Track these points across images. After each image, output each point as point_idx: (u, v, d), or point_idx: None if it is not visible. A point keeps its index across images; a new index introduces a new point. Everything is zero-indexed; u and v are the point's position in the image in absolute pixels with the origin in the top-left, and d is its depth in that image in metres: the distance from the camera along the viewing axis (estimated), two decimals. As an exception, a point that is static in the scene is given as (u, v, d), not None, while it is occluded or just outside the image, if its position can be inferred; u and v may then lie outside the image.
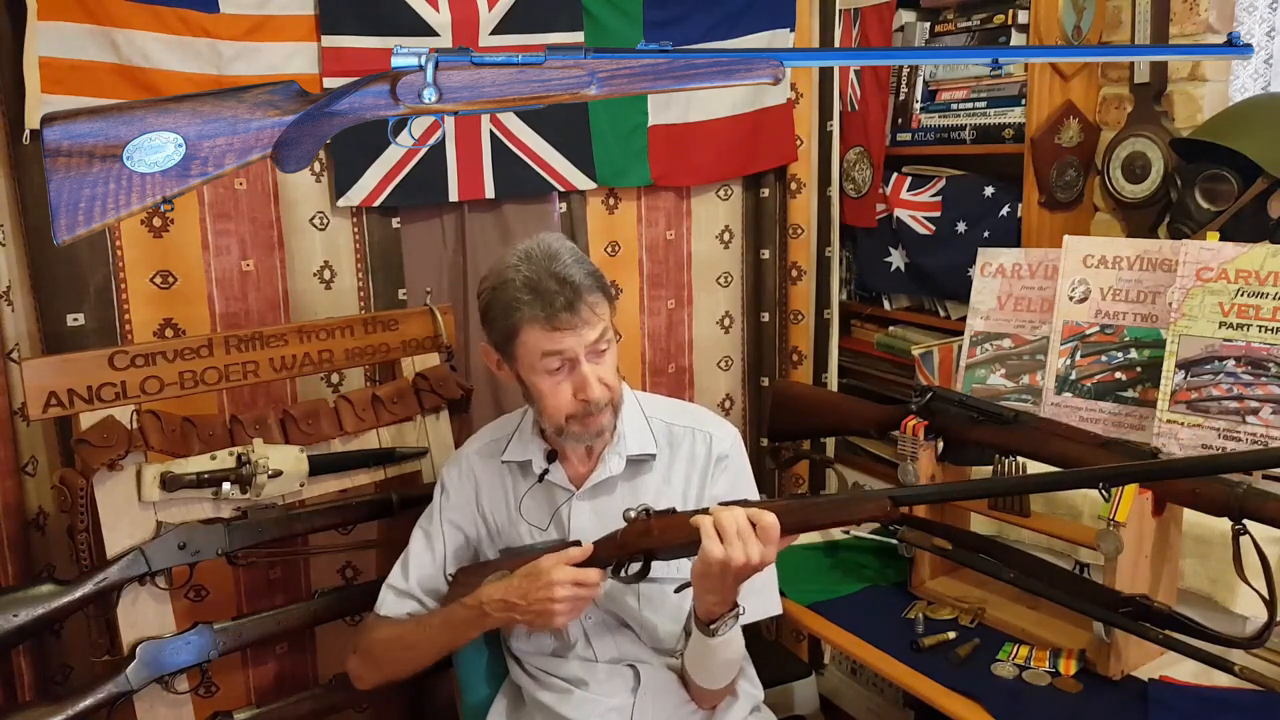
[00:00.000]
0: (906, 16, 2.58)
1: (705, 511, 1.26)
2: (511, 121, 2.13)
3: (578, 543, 1.40)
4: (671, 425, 1.55)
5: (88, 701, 1.53)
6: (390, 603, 1.55)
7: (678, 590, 1.35)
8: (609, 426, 1.45)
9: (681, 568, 1.38)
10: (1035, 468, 1.56)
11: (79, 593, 1.54)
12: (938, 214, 2.49)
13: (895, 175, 2.59)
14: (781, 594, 1.59)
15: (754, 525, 1.21)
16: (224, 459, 1.66)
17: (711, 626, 1.32)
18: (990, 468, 1.61)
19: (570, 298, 1.34)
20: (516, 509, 1.53)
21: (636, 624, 1.49)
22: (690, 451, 1.53)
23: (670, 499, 1.49)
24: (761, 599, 1.52)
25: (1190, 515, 1.44)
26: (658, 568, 1.36)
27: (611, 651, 1.49)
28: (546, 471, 1.51)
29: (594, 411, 1.40)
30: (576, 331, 1.35)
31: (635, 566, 1.36)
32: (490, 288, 1.41)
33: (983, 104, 2.39)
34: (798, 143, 2.50)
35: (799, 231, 2.55)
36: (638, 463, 1.51)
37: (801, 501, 1.28)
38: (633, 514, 1.33)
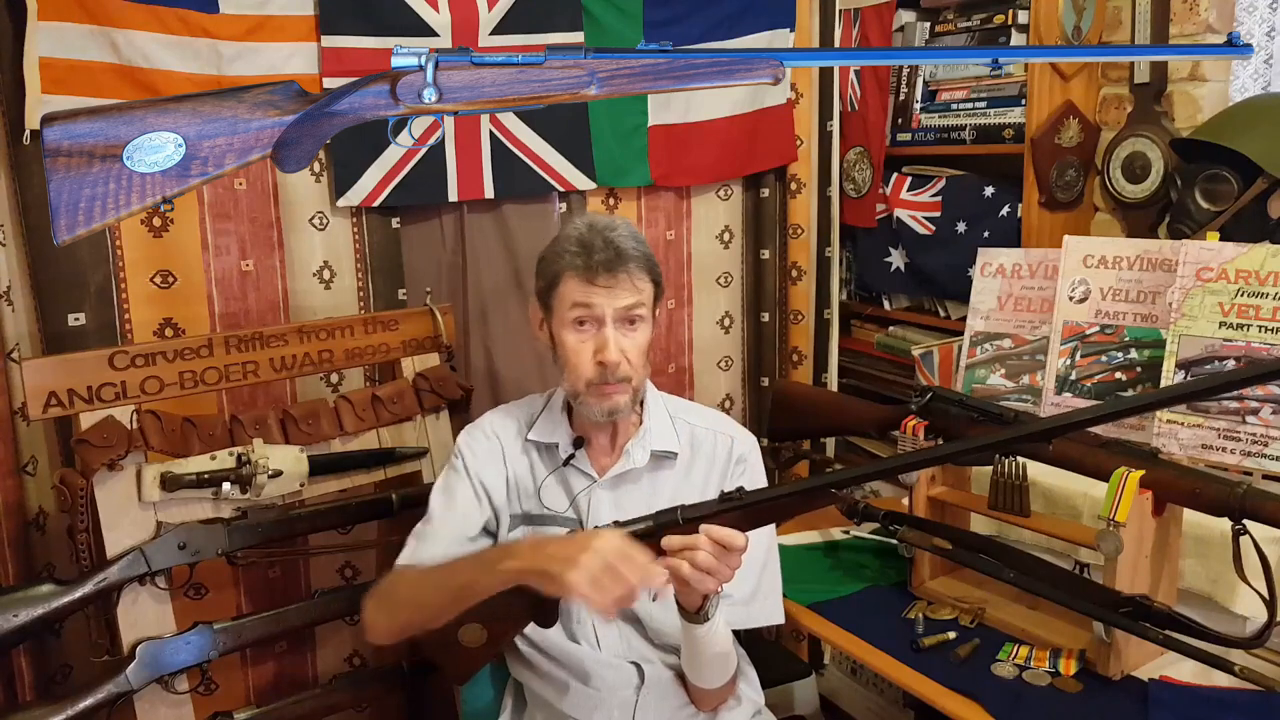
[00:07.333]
0: (906, 16, 2.58)
1: (657, 530, 1.25)
2: (511, 121, 2.13)
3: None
4: (695, 427, 1.58)
5: (88, 701, 1.53)
6: (414, 550, 1.48)
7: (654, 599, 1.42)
8: (624, 409, 1.45)
9: None
10: (1036, 468, 1.57)
11: (79, 593, 1.55)
12: (938, 214, 2.49)
13: (895, 175, 2.59)
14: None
15: (724, 547, 1.23)
16: (224, 459, 1.66)
17: (700, 613, 1.33)
18: (990, 468, 1.61)
19: (610, 258, 1.40)
20: (536, 489, 1.53)
21: (645, 616, 1.50)
22: (711, 453, 1.56)
23: (688, 496, 1.49)
24: (767, 605, 1.53)
25: (1190, 515, 1.44)
26: None
27: (616, 645, 1.50)
28: (572, 457, 1.52)
29: (610, 380, 1.42)
30: (610, 291, 1.40)
31: None
32: (550, 242, 1.48)
33: (983, 104, 2.39)
34: (798, 143, 2.49)
35: (799, 231, 2.54)
36: (660, 458, 1.54)
37: (753, 508, 1.26)
38: None
